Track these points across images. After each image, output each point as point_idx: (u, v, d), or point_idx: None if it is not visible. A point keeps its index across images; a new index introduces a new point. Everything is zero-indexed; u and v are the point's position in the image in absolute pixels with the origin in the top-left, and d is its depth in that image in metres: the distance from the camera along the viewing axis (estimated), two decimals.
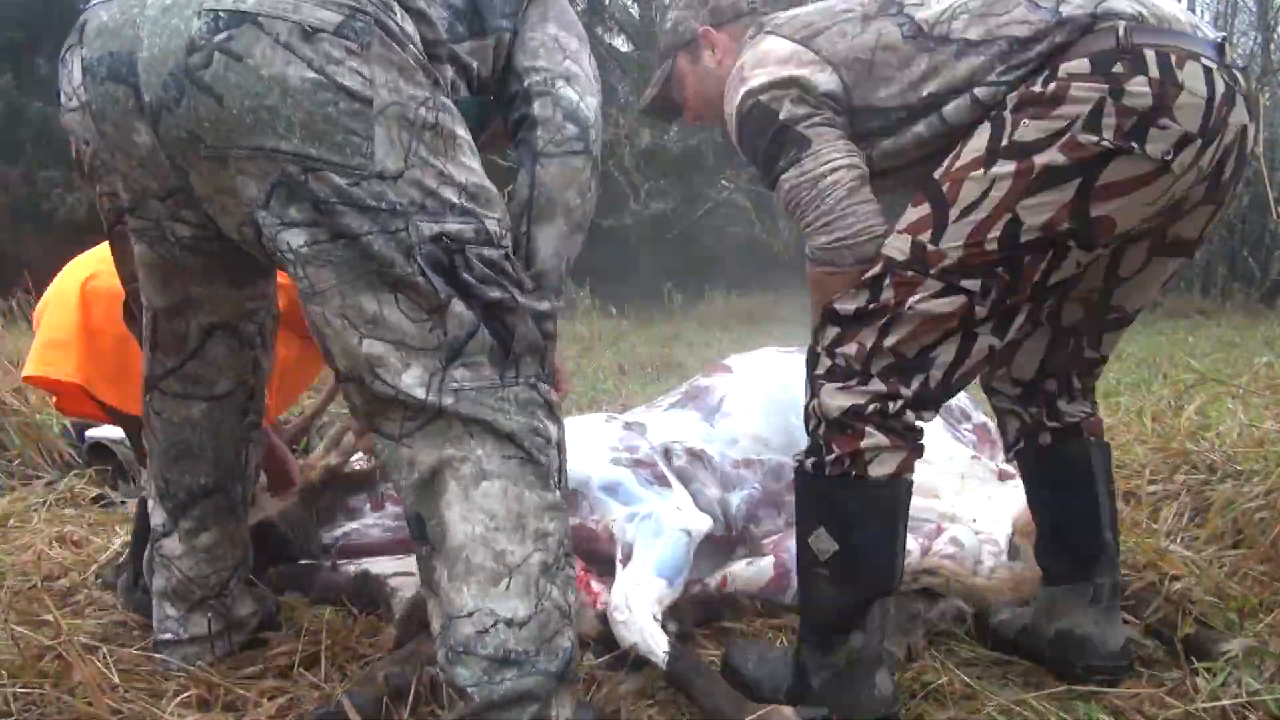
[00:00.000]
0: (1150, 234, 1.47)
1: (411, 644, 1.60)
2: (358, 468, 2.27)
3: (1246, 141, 1.36)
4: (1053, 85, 1.29)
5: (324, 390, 2.40)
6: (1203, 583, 1.92)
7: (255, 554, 2.05)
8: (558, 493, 1.30)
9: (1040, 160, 1.29)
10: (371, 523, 2.14)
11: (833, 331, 1.43)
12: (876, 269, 1.39)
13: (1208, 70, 1.29)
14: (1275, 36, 13.62)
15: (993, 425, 2.50)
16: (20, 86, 9.98)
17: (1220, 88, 1.30)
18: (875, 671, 1.45)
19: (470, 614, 1.22)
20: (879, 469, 1.40)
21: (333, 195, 1.17)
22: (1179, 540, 2.20)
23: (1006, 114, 1.33)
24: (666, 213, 11.37)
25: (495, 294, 1.25)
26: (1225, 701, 1.46)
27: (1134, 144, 1.27)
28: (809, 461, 1.47)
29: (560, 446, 1.32)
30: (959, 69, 1.37)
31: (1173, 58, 1.28)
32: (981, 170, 1.33)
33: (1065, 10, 1.33)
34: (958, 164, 1.36)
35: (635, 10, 13.14)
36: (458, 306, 1.22)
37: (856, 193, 1.40)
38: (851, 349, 1.41)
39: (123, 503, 2.66)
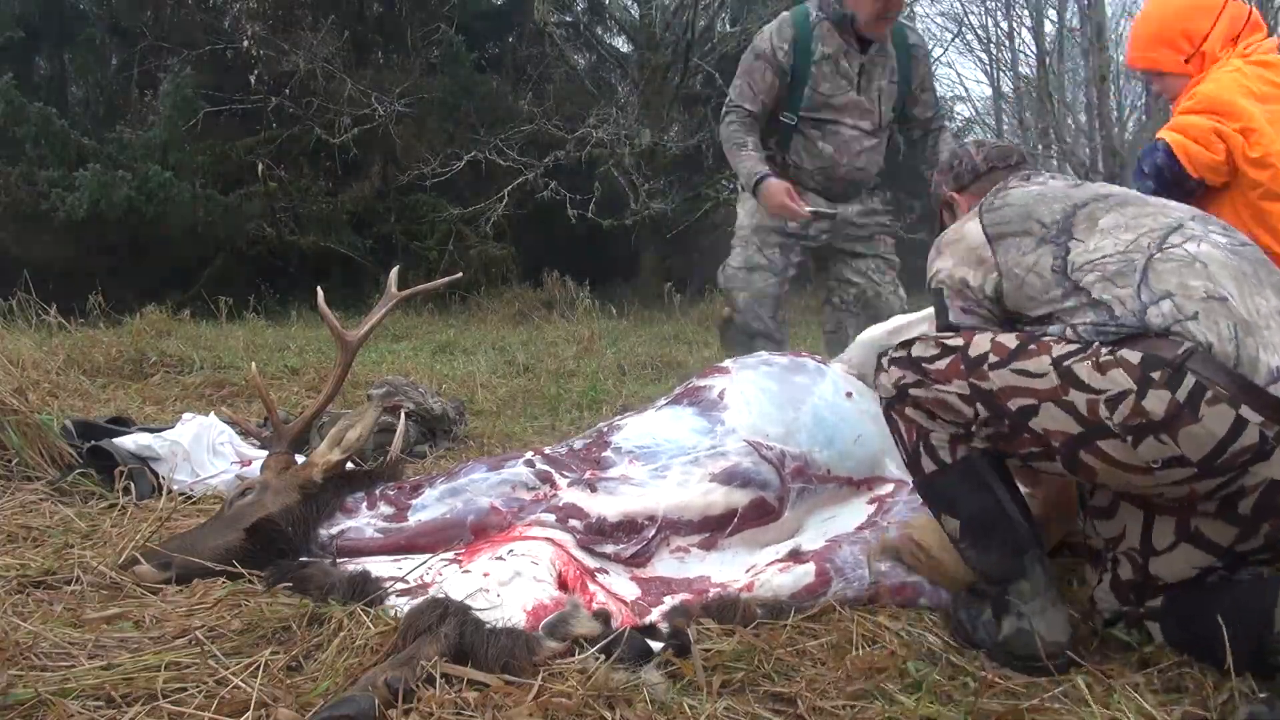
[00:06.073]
0: (1173, 512, 1.61)
1: (412, 647, 1.60)
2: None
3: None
4: (1109, 359, 1.49)
5: (324, 390, 2.41)
6: None
7: (256, 551, 2.07)
8: None
9: (1073, 395, 1.51)
10: (366, 521, 2.15)
11: None
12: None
13: (1240, 420, 1.42)
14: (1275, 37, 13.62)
15: None
16: (20, 86, 9.93)
17: (1250, 439, 1.42)
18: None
19: None
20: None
21: None
22: None
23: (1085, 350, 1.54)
24: (666, 213, 11.33)
25: None
26: (1229, 696, 1.47)
27: (1130, 438, 1.46)
28: None
29: None
30: (1075, 316, 1.60)
31: (1208, 393, 1.42)
32: (1047, 358, 1.55)
33: (1151, 315, 1.52)
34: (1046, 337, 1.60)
35: (635, 10, 13.12)
36: None
37: None
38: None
39: (135, 504, 2.63)
